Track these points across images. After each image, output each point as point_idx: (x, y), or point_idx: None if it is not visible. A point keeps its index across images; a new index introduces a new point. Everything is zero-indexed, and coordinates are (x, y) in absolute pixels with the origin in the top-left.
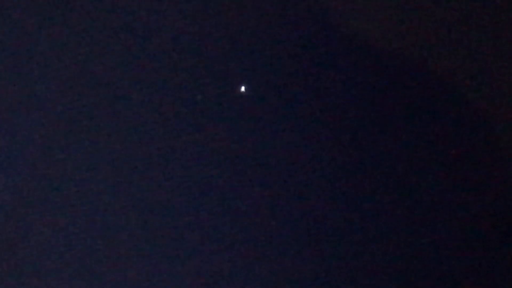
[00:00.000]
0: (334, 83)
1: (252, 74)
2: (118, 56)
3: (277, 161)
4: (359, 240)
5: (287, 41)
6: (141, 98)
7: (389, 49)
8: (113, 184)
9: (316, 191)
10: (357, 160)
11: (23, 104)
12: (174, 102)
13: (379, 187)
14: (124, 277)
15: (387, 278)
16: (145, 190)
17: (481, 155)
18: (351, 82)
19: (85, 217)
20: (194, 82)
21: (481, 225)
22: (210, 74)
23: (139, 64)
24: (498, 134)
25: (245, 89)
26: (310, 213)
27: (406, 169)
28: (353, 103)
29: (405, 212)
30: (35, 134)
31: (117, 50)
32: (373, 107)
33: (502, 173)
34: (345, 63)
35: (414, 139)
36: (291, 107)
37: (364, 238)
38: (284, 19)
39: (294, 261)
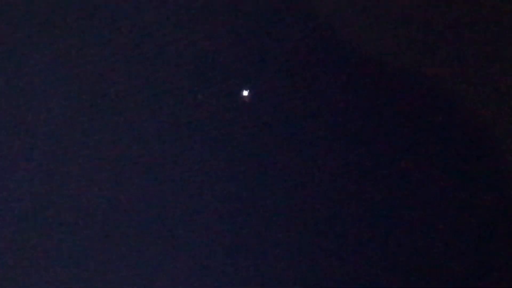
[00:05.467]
0: (335, 85)
1: (252, 74)
2: (118, 56)
3: (277, 160)
4: (358, 240)
5: (288, 42)
6: (142, 99)
7: (389, 52)
8: (115, 184)
9: (316, 192)
10: (358, 161)
11: (25, 106)
12: (174, 102)
13: (379, 188)
14: (126, 277)
15: (387, 278)
16: (147, 191)
17: (481, 155)
18: (352, 85)
19: (88, 217)
20: (194, 81)
21: (481, 225)
22: (210, 74)
23: (139, 65)
24: (498, 134)
25: (247, 92)
26: (310, 214)
27: (406, 170)
28: (355, 106)
29: (405, 212)
30: (38, 135)
31: (118, 50)
32: (373, 107)
33: (502, 173)
34: (346, 66)
35: (414, 139)
36: (291, 107)
37: (363, 239)
38: (284, 22)
39: (294, 261)
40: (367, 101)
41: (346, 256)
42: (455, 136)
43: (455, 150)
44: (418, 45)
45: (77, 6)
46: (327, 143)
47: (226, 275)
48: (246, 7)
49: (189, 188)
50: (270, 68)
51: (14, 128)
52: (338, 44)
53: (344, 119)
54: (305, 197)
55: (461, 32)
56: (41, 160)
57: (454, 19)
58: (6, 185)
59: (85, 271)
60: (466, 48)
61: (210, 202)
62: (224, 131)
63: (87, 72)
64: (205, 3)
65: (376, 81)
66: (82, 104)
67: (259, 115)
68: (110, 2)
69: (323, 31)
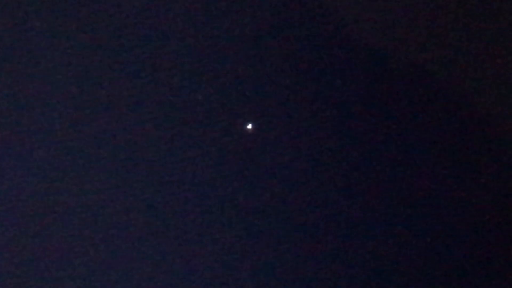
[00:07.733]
0: (339, 120)
1: (255, 75)
2: (119, 57)
3: (277, 160)
4: (358, 241)
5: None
6: (143, 100)
7: (390, 54)
8: (114, 185)
9: (316, 193)
10: (358, 163)
11: (26, 107)
12: (175, 103)
13: (379, 188)
14: (126, 277)
15: (387, 278)
16: (149, 192)
17: (481, 155)
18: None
19: (88, 217)
20: (195, 82)
21: (481, 225)
22: (211, 75)
23: (141, 66)
24: (498, 134)
25: (251, 126)
26: (310, 216)
27: (406, 170)
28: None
29: (405, 212)
30: (38, 136)
31: (119, 51)
32: (374, 108)
33: (502, 173)
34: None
35: (414, 140)
36: (295, 108)
37: (363, 239)
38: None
39: (294, 262)
40: (371, 105)
41: (346, 257)
42: (455, 135)
43: (455, 150)
44: (418, 45)
45: (78, 6)
46: (328, 143)
47: (224, 275)
48: (248, 41)
49: (189, 189)
50: (273, 102)
51: (15, 128)
52: (342, 77)
53: (347, 151)
54: (306, 199)
55: (461, 31)
56: (42, 160)
57: (455, 18)
58: (7, 185)
59: (85, 271)
60: (466, 47)
61: (210, 204)
62: (225, 131)
63: (87, 73)
64: (209, 35)
65: (377, 81)
66: (82, 105)
67: (260, 116)
68: (111, 3)
69: (325, 63)
